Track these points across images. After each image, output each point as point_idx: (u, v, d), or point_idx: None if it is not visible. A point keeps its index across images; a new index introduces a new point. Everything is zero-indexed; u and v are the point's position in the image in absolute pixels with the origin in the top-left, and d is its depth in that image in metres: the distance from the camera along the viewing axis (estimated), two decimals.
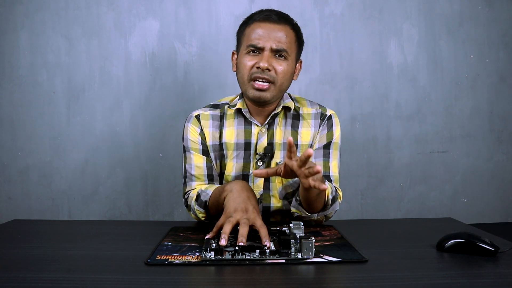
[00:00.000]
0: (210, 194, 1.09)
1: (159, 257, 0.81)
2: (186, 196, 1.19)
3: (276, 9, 1.87)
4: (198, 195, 1.12)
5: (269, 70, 1.12)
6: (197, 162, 1.20)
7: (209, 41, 1.90)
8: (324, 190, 1.00)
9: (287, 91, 1.24)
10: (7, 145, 1.87)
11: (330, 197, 1.08)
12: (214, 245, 0.85)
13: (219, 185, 1.13)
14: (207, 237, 0.90)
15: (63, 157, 1.88)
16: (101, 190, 1.89)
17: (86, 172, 1.89)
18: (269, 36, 1.12)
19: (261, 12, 1.17)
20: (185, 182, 1.21)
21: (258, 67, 1.11)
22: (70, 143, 1.88)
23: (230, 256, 0.80)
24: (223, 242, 0.82)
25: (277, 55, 1.13)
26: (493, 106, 1.99)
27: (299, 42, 1.20)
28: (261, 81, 1.12)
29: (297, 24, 1.20)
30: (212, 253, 0.80)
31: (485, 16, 1.97)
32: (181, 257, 0.81)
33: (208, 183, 1.19)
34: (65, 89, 1.87)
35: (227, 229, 0.86)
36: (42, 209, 1.88)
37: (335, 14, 1.93)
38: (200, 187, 1.17)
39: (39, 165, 1.87)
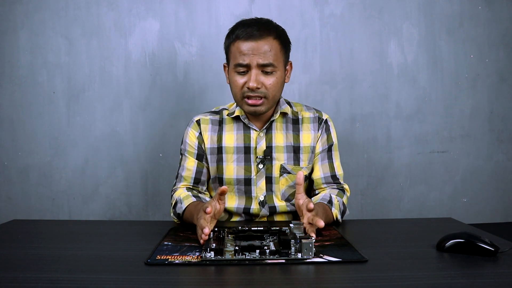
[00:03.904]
0: (183, 208, 1.14)
1: (159, 257, 0.81)
2: (172, 193, 1.25)
3: (276, 9, 1.91)
4: (176, 204, 1.18)
5: (259, 88, 1.15)
6: (189, 165, 1.26)
7: (209, 41, 1.90)
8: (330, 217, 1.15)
9: (283, 95, 1.29)
10: (7, 145, 1.87)
11: (339, 216, 1.18)
12: (214, 245, 0.85)
13: (193, 201, 1.15)
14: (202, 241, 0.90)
15: (63, 157, 1.88)
16: (101, 190, 1.89)
17: (86, 172, 1.89)
18: (253, 53, 1.14)
19: (243, 25, 1.17)
20: (175, 181, 1.28)
21: (248, 87, 1.15)
22: (70, 143, 1.88)
23: (230, 256, 0.80)
24: (202, 241, 0.89)
25: (264, 70, 1.15)
26: (493, 106, 1.98)
27: (285, 47, 1.21)
28: (254, 99, 1.16)
29: (278, 28, 1.20)
30: (212, 253, 0.80)
31: (485, 16, 1.96)
32: (181, 257, 0.81)
33: (193, 186, 1.25)
34: (65, 89, 1.87)
35: (201, 223, 0.92)
36: (42, 209, 1.88)
37: (335, 14, 1.93)
38: (183, 188, 1.24)
39: (39, 165, 1.87)
